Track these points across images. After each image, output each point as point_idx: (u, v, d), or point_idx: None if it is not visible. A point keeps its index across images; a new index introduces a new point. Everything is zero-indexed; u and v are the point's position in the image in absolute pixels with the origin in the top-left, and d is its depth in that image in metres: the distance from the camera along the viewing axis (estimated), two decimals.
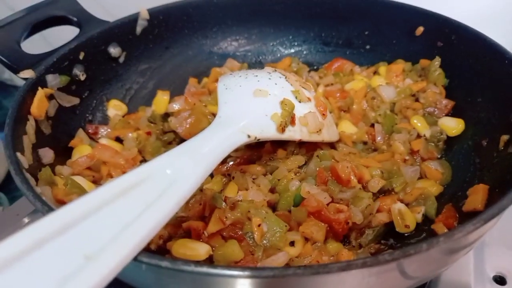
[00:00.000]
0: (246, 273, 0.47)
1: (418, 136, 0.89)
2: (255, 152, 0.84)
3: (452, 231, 0.51)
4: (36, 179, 0.72)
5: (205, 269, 0.46)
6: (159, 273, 0.52)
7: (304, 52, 1.16)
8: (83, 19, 0.98)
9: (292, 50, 1.16)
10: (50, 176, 0.75)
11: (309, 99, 0.81)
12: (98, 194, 0.50)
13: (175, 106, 0.95)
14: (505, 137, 0.76)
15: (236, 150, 0.84)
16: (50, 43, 0.93)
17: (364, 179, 0.78)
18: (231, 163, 0.84)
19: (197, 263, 0.48)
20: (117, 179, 0.53)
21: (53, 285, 0.40)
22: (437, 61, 0.97)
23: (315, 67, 1.12)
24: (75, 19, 0.98)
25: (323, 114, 0.82)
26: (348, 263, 0.47)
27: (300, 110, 0.78)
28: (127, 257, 0.45)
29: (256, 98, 0.75)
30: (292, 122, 0.76)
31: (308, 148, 0.85)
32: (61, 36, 0.94)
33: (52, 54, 0.88)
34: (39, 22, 0.96)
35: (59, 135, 0.85)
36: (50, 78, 0.84)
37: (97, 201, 0.49)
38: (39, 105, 0.79)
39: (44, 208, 0.56)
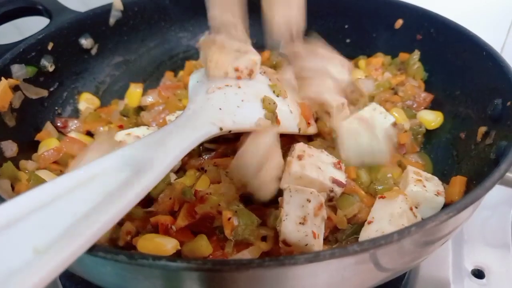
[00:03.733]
0: (208, 266, 0.44)
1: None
2: (230, 146, 0.82)
3: (424, 220, 0.49)
4: None
5: (163, 263, 0.44)
6: (118, 268, 0.49)
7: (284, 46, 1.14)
8: (53, 9, 0.95)
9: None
10: (12, 171, 0.72)
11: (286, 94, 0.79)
12: (53, 185, 0.48)
13: (148, 99, 0.92)
14: (482, 129, 0.76)
15: (212, 142, 0.82)
16: (24, 34, 0.90)
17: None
18: (206, 157, 0.81)
19: (157, 257, 0.45)
20: (75, 170, 0.50)
21: None
22: (416, 54, 0.96)
23: None
24: (45, 9, 0.94)
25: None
26: (315, 254, 0.45)
27: (279, 105, 0.76)
28: (78, 251, 0.42)
29: (228, 90, 0.72)
30: (277, 122, 0.73)
31: (285, 141, 0.82)
32: (36, 26, 0.90)
33: (20, 44, 0.84)
34: (6, 12, 0.93)
35: (25, 128, 0.82)
36: (16, 69, 0.81)
37: (51, 192, 0.46)
38: (2, 96, 0.76)
39: None
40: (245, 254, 0.61)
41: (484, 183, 0.55)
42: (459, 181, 0.71)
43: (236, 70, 0.72)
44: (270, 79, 0.81)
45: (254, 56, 0.75)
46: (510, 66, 0.75)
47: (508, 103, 0.71)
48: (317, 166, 0.68)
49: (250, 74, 0.75)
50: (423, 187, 0.71)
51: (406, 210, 0.63)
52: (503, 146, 0.66)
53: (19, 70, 0.81)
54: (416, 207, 0.70)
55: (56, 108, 0.91)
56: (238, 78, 0.73)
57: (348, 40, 1.08)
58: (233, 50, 0.71)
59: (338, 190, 0.68)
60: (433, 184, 0.73)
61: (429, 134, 0.88)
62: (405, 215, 0.62)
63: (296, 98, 0.82)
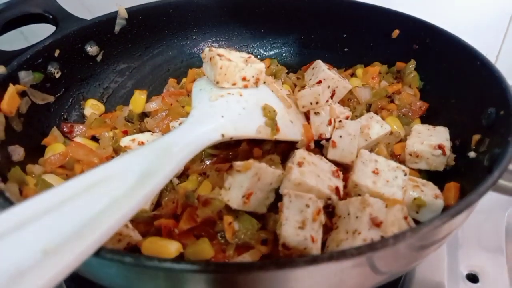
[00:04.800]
0: (212, 268, 0.46)
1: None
2: (231, 152, 0.84)
3: (419, 225, 0.51)
4: (6, 179, 0.71)
5: (168, 265, 0.46)
6: (124, 269, 0.51)
7: (284, 54, 1.17)
8: (59, 17, 0.97)
9: (272, 52, 1.17)
10: (20, 175, 0.74)
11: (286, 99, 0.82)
12: (62, 189, 0.49)
13: (152, 106, 0.94)
14: (476, 137, 0.78)
15: (214, 147, 0.84)
16: (30, 41, 0.92)
17: None
18: (208, 162, 0.83)
19: (162, 259, 0.47)
20: (82, 175, 0.52)
21: (6, 279, 0.39)
22: (412, 64, 0.99)
23: (294, 70, 1.12)
24: (51, 16, 0.97)
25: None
26: (314, 257, 0.47)
27: (279, 114, 0.78)
28: (86, 253, 0.44)
29: (230, 98, 0.75)
30: (277, 129, 0.76)
31: (284, 147, 0.85)
32: (42, 33, 0.92)
33: (27, 51, 0.86)
34: (13, 19, 0.95)
35: (32, 133, 0.84)
36: (23, 75, 0.83)
37: (60, 196, 0.48)
38: (10, 101, 0.78)
39: (6, 203, 0.54)
40: (246, 257, 0.63)
41: (478, 189, 0.57)
42: (453, 187, 0.73)
43: (244, 79, 0.75)
44: (270, 88, 0.84)
45: (259, 65, 0.78)
46: (503, 76, 0.77)
47: (501, 112, 0.73)
48: (316, 173, 0.70)
49: (256, 83, 0.77)
50: (421, 192, 0.73)
51: (399, 219, 0.65)
52: (497, 153, 0.67)
53: (26, 76, 0.83)
54: (417, 212, 0.72)
55: (62, 113, 0.93)
56: (245, 87, 0.75)
57: (346, 49, 1.11)
58: (239, 61, 0.74)
59: (335, 198, 0.70)
60: (430, 189, 0.75)
61: None
62: (396, 223, 0.64)
63: (295, 108, 0.84)
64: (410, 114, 0.93)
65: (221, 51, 0.74)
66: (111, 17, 1.00)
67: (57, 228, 0.45)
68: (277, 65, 1.09)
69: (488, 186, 0.58)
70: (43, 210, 0.46)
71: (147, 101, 0.98)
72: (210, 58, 0.72)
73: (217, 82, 0.73)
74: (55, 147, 0.83)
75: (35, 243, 0.42)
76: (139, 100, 0.97)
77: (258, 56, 1.17)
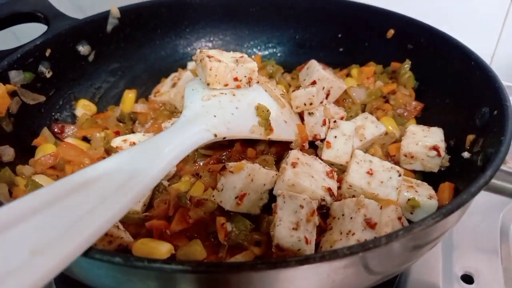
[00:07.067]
0: (202, 268, 0.45)
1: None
2: (225, 152, 0.83)
3: (411, 225, 0.50)
4: None
5: (158, 265, 0.45)
6: (114, 270, 0.50)
7: (279, 54, 1.17)
8: (51, 16, 0.96)
9: (267, 52, 1.17)
10: (10, 176, 0.73)
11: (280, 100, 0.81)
12: (50, 189, 0.49)
13: (139, 107, 0.94)
14: (471, 137, 0.78)
15: (207, 148, 0.83)
16: (21, 40, 0.91)
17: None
18: (201, 163, 0.83)
19: (152, 259, 0.46)
20: (71, 175, 0.51)
21: None
22: (407, 64, 0.98)
23: (288, 69, 1.11)
24: (42, 15, 0.96)
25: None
26: (306, 257, 0.46)
27: (272, 113, 0.78)
28: (74, 253, 0.43)
29: (223, 98, 0.74)
30: (270, 129, 0.75)
31: (278, 147, 0.84)
32: (34, 33, 0.91)
33: (18, 50, 0.85)
34: (3, 19, 0.94)
35: (22, 133, 0.83)
36: (13, 75, 0.82)
37: (49, 196, 0.48)
38: (0, 101, 0.77)
39: None
40: (239, 259, 0.62)
41: (470, 189, 0.56)
42: (447, 187, 0.73)
43: (235, 79, 0.74)
44: (264, 88, 0.83)
45: (251, 64, 0.77)
46: (497, 75, 0.77)
47: (495, 112, 0.72)
48: (310, 174, 0.70)
49: (249, 82, 0.77)
50: (416, 192, 0.73)
51: (393, 219, 0.65)
52: (490, 153, 0.67)
53: (16, 76, 0.82)
54: (411, 213, 0.72)
55: (53, 113, 0.92)
56: (238, 87, 0.74)
57: (341, 49, 1.11)
58: (230, 61, 0.73)
59: (329, 199, 0.70)
60: (424, 189, 0.75)
61: None
62: (390, 223, 0.63)
63: (289, 108, 0.84)
64: (405, 114, 0.93)
65: (211, 52, 0.73)
66: (103, 16, 0.99)
67: (45, 229, 0.44)
68: (273, 66, 1.08)
69: (481, 185, 0.57)
70: (31, 210, 0.45)
71: (137, 102, 0.97)
72: (200, 60, 0.71)
73: (208, 84, 0.73)
74: (45, 148, 0.82)
75: (22, 243, 0.42)
76: (127, 99, 0.96)
77: (252, 56, 1.16)
